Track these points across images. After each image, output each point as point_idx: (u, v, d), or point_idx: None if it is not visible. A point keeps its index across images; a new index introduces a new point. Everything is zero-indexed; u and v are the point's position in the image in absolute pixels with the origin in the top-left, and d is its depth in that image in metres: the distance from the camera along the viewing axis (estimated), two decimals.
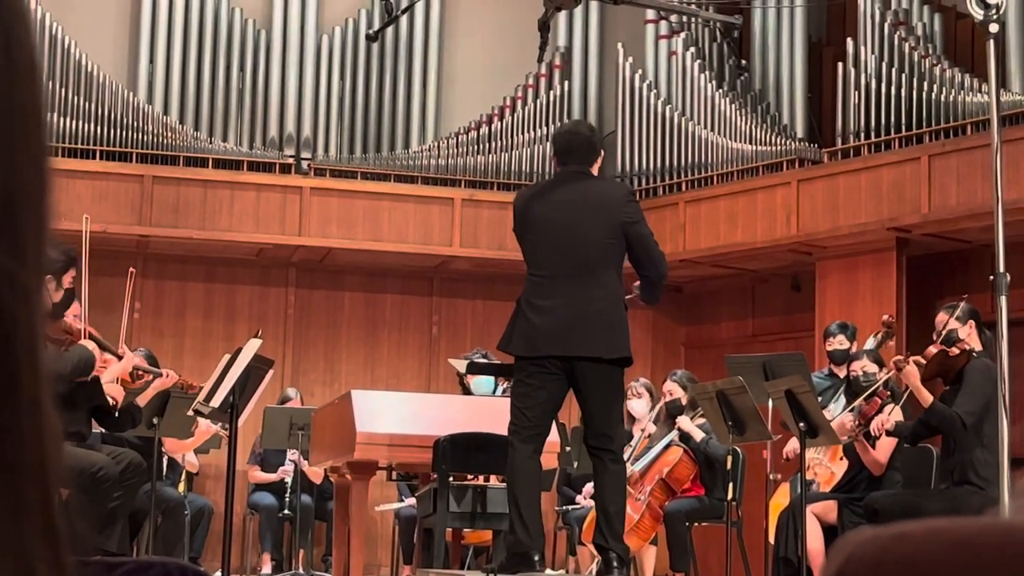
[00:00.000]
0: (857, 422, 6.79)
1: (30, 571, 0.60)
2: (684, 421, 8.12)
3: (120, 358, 6.69)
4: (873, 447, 6.96)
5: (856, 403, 6.90)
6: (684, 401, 8.18)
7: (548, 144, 6.17)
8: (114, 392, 6.50)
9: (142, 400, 7.04)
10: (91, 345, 6.31)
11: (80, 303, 6.29)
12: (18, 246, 0.61)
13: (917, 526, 0.74)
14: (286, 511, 9.55)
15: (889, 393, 6.88)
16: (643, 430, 8.48)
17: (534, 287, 5.56)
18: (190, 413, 6.82)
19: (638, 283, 5.82)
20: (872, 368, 7.16)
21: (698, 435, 8.04)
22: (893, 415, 6.78)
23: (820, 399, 7.10)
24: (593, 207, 5.58)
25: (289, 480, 9.58)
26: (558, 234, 5.54)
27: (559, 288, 5.51)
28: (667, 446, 8.20)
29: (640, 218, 5.71)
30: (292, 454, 9.43)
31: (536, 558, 5.50)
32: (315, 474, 9.47)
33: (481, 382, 8.58)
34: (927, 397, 6.50)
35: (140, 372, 7.09)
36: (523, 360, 5.57)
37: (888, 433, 6.72)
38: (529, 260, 5.63)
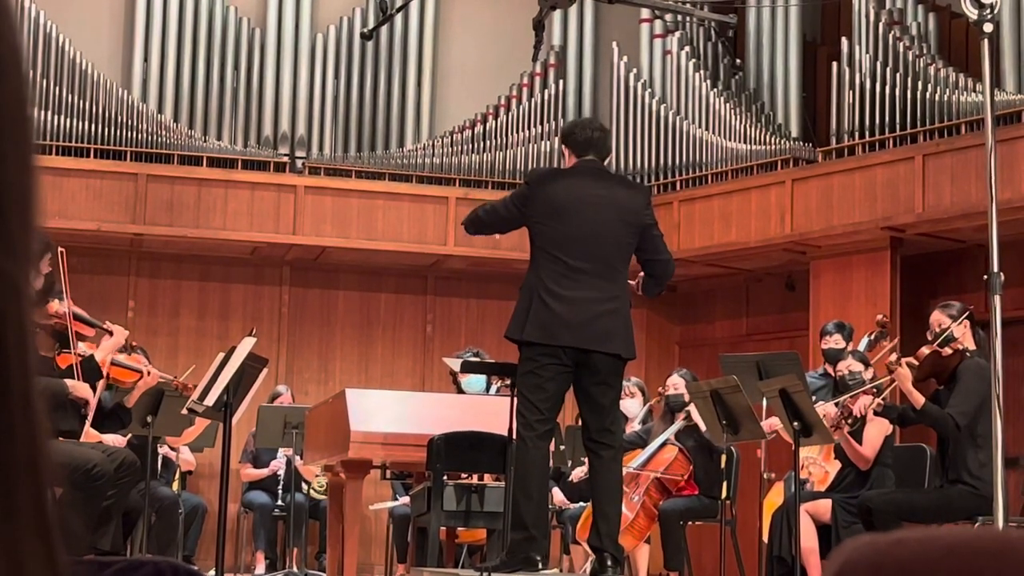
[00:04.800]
0: (841, 413, 6.79)
1: (21, 568, 0.59)
2: (694, 412, 8.07)
3: (111, 334, 6.67)
4: (860, 442, 6.97)
5: (842, 399, 6.91)
6: (687, 398, 8.14)
7: (559, 137, 6.20)
8: (84, 393, 6.39)
9: (129, 401, 7.01)
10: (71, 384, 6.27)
11: (62, 286, 6.21)
12: (6, 239, 0.60)
13: (914, 532, 0.75)
14: (280, 501, 9.54)
15: (875, 391, 6.90)
16: (635, 430, 8.48)
17: (556, 276, 5.50)
18: (184, 412, 6.81)
19: (642, 275, 5.88)
20: (858, 367, 7.18)
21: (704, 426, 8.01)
22: (874, 404, 6.77)
23: (814, 398, 7.10)
24: (620, 206, 5.64)
25: (281, 474, 9.56)
26: (588, 229, 5.55)
27: (584, 281, 5.50)
28: (662, 445, 8.19)
29: (656, 220, 5.83)
30: (286, 451, 9.41)
31: (539, 558, 5.49)
32: (309, 472, 9.46)
33: (474, 381, 8.57)
34: (919, 399, 6.50)
35: (121, 367, 7.04)
36: (535, 348, 5.50)
37: (876, 413, 6.73)
38: (551, 246, 5.55)
